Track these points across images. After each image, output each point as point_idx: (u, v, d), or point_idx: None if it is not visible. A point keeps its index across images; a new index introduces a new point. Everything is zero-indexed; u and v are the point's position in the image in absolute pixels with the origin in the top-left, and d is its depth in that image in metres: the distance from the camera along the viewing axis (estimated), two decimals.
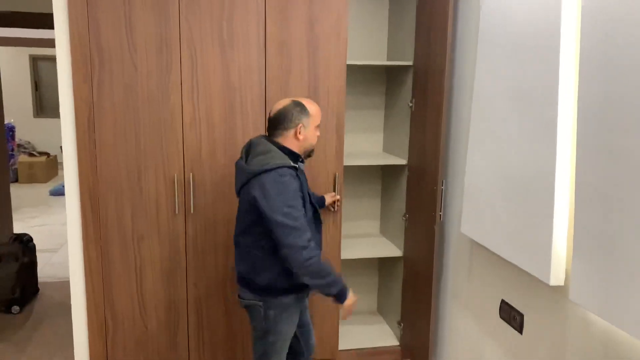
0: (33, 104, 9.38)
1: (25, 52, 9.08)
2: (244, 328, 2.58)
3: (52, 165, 8.50)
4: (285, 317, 1.96)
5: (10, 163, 7.67)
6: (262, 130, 2.42)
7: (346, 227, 2.86)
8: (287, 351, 2.05)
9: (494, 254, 2.00)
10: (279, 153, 1.85)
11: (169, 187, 2.39)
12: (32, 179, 8.09)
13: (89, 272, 2.39)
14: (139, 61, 2.28)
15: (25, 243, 3.67)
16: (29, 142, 9.26)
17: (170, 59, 2.30)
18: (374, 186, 3.15)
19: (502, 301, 1.98)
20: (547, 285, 1.68)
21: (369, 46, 3.00)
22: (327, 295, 1.88)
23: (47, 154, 8.59)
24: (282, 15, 2.36)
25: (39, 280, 3.88)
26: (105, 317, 2.45)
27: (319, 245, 2.01)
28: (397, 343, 2.88)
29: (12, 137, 8.26)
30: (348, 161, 2.65)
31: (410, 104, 2.67)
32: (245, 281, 1.98)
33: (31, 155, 8.45)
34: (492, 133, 1.92)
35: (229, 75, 2.36)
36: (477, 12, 2.09)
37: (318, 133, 1.99)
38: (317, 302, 2.61)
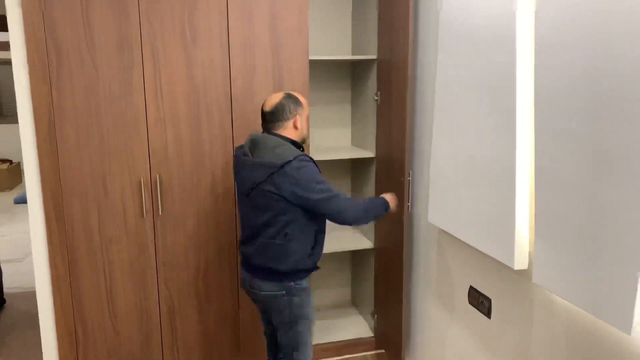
0: None
1: None
2: (219, 326, 2.57)
3: (15, 173, 8.25)
4: (307, 300, 2.03)
5: None
6: (228, 128, 2.40)
7: None
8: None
9: (460, 241, 2.04)
10: (290, 144, 1.95)
11: (135, 189, 2.36)
12: None
13: (56, 281, 2.34)
14: (99, 61, 2.23)
15: None
16: None
17: (131, 58, 2.26)
18: (343, 180, 3.17)
19: (471, 287, 2.02)
20: (512, 270, 1.72)
21: (334, 41, 3.01)
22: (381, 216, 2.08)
23: (10, 161, 8.33)
24: (244, 12, 2.35)
25: (5, 291, 3.77)
26: (75, 326, 2.40)
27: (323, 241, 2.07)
28: (372, 334, 2.91)
29: None
30: (317, 156, 2.66)
31: (376, 98, 2.69)
32: (265, 272, 1.99)
33: None
34: (455, 123, 1.96)
35: (192, 73, 2.33)
36: (437, 4, 2.12)
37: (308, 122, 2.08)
38: None
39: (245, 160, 1.97)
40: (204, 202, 2.44)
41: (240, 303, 2.57)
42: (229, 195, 2.46)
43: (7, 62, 8.77)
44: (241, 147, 2.05)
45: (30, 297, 3.76)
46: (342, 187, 3.16)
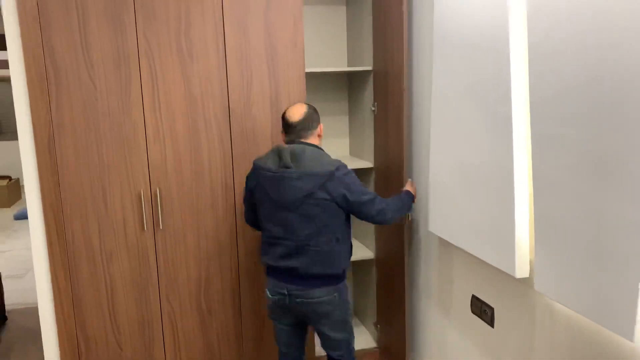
0: None
1: None
2: (221, 340, 2.56)
3: (14, 189, 8.26)
4: (347, 293, 2.14)
5: None
6: (227, 141, 2.41)
7: None
8: None
9: (462, 250, 2.04)
10: (325, 152, 2.05)
11: (135, 203, 2.36)
12: None
13: (58, 296, 2.33)
14: (97, 77, 2.25)
15: None
16: None
17: (129, 73, 2.27)
18: None
19: (473, 296, 2.02)
20: (514, 278, 1.72)
21: (331, 53, 3.03)
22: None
23: (9, 178, 8.34)
24: (239, 26, 2.37)
25: (7, 307, 3.76)
26: (77, 341, 2.39)
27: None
28: (375, 345, 2.90)
29: None
30: None
31: (373, 108, 2.70)
32: (320, 280, 2.03)
33: None
34: (451, 131, 1.97)
35: (190, 87, 2.35)
36: (430, 14, 2.14)
37: None
38: None
39: (286, 172, 1.95)
40: (204, 215, 2.44)
41: (242, 316, 2.57)
42: (229, 208, 2.47)
43: (5, 80, 8.82)
44: (260, 161, 2.05)
45: (31, 312, 3.76)
46: None
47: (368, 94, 2.79)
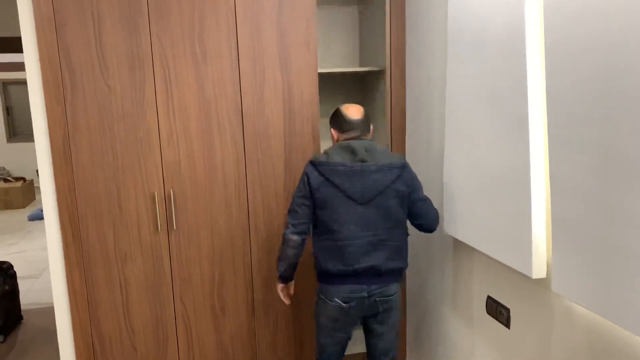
0: (5, 129, 9.22)
1: None
2: (235, 340, 2.57)
3: (28, 190, 8.36)
4: None
5: None
6: (240, 142, 2.42)
7: None
8: None
9: (477, 251, 2.03)
10: None
11: (149, 204, 2.38)
12: (8, 205, 7.94)
13: (73, 296, 2.36)
14: (112, 80, 2.27)
15: (5, 271, 3.59)
16: (4, 168, 9.10)
17: (143, 76, 2.29)
18: None
19: (488, 297, 2.00)
20: (530, 279, 1.70)
21: (343, 53, 3.03)
22: None
23: (23, 179, 8.44)
24: (252, 27, 2.37)
25: (22, 307, 3.80)
26: (92, 341, 2.41)
27: None
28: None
29: None
30: None
31: None
32: (394, 274, 2.04)
33: (6, 181, 8.29)
34: (466, 132, 1.96)
35: (203, 89, 2.36)
36: (444, 14, 2.13)
37: None
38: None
39: (365, 166, 1.94)
40: (218, 216, 2.45)
41: (256, 316, 2.57)
42: (242, 208, 2.47)
43: (19, 82, 8.94)
44: (323, 158, 1.99)
45: (46, 313, 3.80)
46: None
47: (380, 94, 2.78)
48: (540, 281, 1.68)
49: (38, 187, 8.64)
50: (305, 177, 2.00)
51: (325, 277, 2.03)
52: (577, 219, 1.39)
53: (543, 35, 1.51)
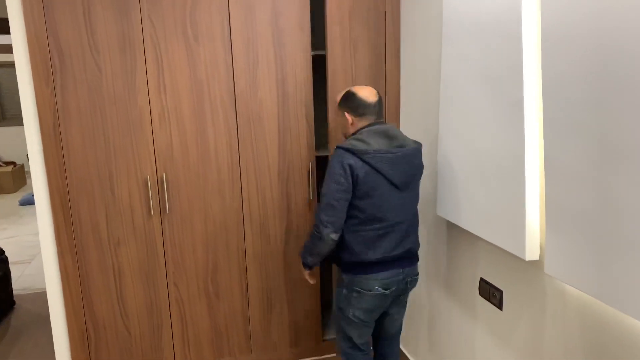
0: None
1: None
2: (229, 324, 2.58)
3: (19, 175, 8.28)
4: None
5: None
6: (233, 125, 2.40)
7: None
8: None
9: (470, 233, 2.03)
10: None
11: (142, 188, 2.36)
12: None
13: (66, 281, 2.34)
14: (102, 62, 2.23)
15: None
16: None
17: (134, 57, 2.25)
18: None
19: (481, 279, 2.02)
20: (523, 261, 1.72)
21: None
22: None
23: (14, 164, 8.36)
24: (245, 8, 2.34)
25: (14, 293, 3.79)
26: (86, 326, 2.41)
27: None
28: None
29: None
30: (322, 152, 2.65)
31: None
32: (416, 255, 2.06)
33: None
34: (461, 116, 1.95)
35: (196, 71, 2.33)
36: None
37: None
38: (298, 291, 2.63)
39: (406, 150, 1.91)
40: (211, 200, 2.44)
41: (250, 300, 2.58)
42: (235, 192, 2.46)
43: (7, 65, 8.79)
44: (362, 145, 1.86)
45: (39, 298, 3.79)
46: None
47: None
48: (533, 263, 1.69)
49: (29, 172, 8.57)
50: (348, 168, 1.84)
51: (363, 267, 1.95)
52: (571, 202, 1.40)
53: (539, 18, 1.50)
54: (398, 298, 2.07)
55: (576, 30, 1.34)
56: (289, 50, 2.42)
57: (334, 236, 1.90)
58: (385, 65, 2.55)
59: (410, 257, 2.02)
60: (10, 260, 3.76)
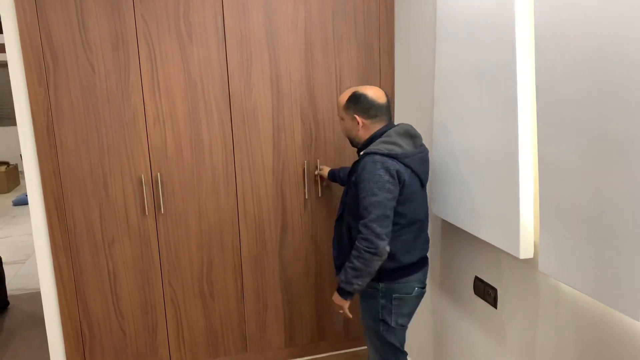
0: None
1: None
2: (224, 323, 2.57)
3: (13, 175, 8.23)
4: None
5: None
6: (227, 124, 2.39)
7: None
8: None
9: (464, 232, 2.04)
10: None
11: (136, 188, 2.35)
12: None
13: (60, 281, 2.33)
14: (96, 60, 2.22)
15: None
16: None
17: (127, 56, 2.24)
18: None
19: (476, 277, 2.02)
20: (518, 259, 1.72)
21: None
22: None
23: (7, 164, 8.30)
24: (239, 8, 2.33)
25: (8, 293, 3.77)
26: (80, 326, 2.40)
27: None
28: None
29: None
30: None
31: None
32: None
33: None
34: (455, 114, 1.95)
35: (190, 70, 2.32)
36: None
37: None
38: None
39: (423, 151, 1.90)
40: (206, 199, 2.44)
41: (245, 299, 2.57)
42: (230, 191, 2.46)
43: (1, 65, 8.73)
44: (397, 148, 1.80)
45: (33, 298, 3.77)
46: None
47: None
48: (527, 261, 1.70)
49: (22, 172, 8.52)
50: (395, 174, 1.76)
51: (402, 271, 1.89)
52: (565, 199, 1.40)
53: (533, 16, 1.50)
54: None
55: (569, 27, 1.34)
56: (283, 49, 2.41)
57: (388, 248, 1.77)
58: (379, 63, 2.55)
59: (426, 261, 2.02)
60: (4, 260, 3.75)
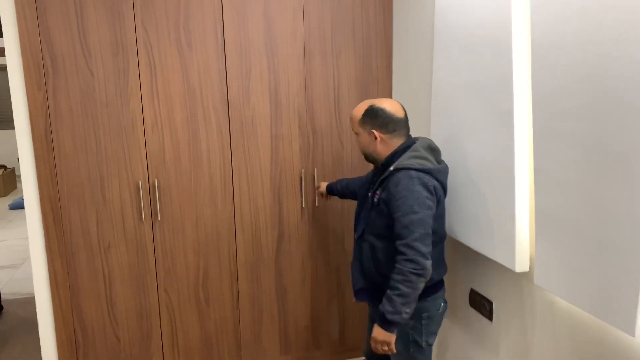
0: None
1: None
2: (219, 331, 2.56)
3: (9, 179, 8.21)
4: None
5: None
6: (226, 132, 2.40)
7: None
8: None
9: (461, 244, 2.04)
10: None
11: (133, 193, 2.34)
12: None
13: (55, 286, 2.32)
14: (95, 66, 2.22)
15: None
16: None
17: (127, 62, 2.25)
18: None
19: (472, 290, 2.02)
20: (513, 272, 1.72)
21: None
22: None
23: (4, 167, 8.28)
24: (238, 16, 2.34)
25: (2, 297, 3.75)
26: (74, 331, 2.38)
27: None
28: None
29: None
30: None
31: None
32: None
33: None
34: (452, 126, 1.96)
35: (188, 77, 2.33)
36: (431, 7, 2.12)
37: None
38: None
39: (445, 166, 1.83)
40: (203, 206, 2.43)
41: (240, 307, 2.56)
42: (227, 198, 2.45)
43: (0, 68, 8.74)
44: (428, 163, 1.75)
45: (27, 303, 3.75)
46: None
47: None
48: (523, 274, 1.70)
49: (19, 176, 8.50)
50: (433, 190, 1.71)
51: (432, 288, 1.84)
52: (561, 213, 1.40)
53: (529, 29, 1.51)
54: None
55: (565, 42, 1.36)
56: (282, 58, 2.42)
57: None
58: (377, 74, 2.56)
59: None
60: None
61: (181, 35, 2.29)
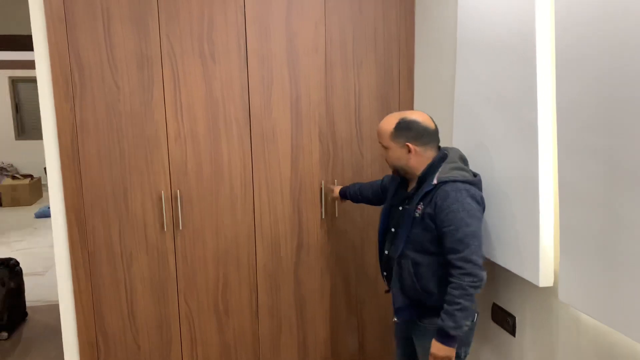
0: (14, 126, 9.28)
1: (4, 75, 9.00)
2: (238, 341, 2.56)
3: (36, 188, 8.40)
4: None
5: None
6: (247, 144, 2.42)
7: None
8: None
9: (484, 257, 2.01)
10: None
11: (156, 204, 2.38)
12: (16, 202, 7.98)
13: (78, 294, 2.36)
14: (121, 79, 2.27)
15: (12, 267, 3.61)
16: (12, 165, 9.16)
17: (151, 75, 2.30)
18: None
19: (494, 304, 1.99)
20: (537, 287, 1.69)
21: None
22: None
23: (31, 176, 8.49)
24: (261, 29, 2.37)
25: (27, 304, 3.82)
26: (96, 339, 2.42)
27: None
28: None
29: None
30: None
31: None
32: None
33: (14, 178, 8.33)
34: (475, 137, 1.94)
35: (211, 89, 2.36)
36: (454, 17, 2.12)
37: None
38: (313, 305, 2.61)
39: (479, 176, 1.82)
40: (223, 216, 2.45)
41: (259, 317, 2.57)
42: (247, 209, 2.47)
43: (28, 80, 9.00)
44: (468, 175, 1.76)
45: (51, 310, 3.81)
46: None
47: None
48: (547, 289, 1.67)
49: (45, 185, 8.69)
50: (480, 201, 1.72)
51: None
52: (586, 227, 1.38)
53: (554, 41, 1.50)
54: None
55: (591, 52, 1.34)
56: (304, 70, 2.44)
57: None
58: (399, 86, 2.56)
59: None
60: (24, 271, 3.80)
61: (205, 48, 2.33)
